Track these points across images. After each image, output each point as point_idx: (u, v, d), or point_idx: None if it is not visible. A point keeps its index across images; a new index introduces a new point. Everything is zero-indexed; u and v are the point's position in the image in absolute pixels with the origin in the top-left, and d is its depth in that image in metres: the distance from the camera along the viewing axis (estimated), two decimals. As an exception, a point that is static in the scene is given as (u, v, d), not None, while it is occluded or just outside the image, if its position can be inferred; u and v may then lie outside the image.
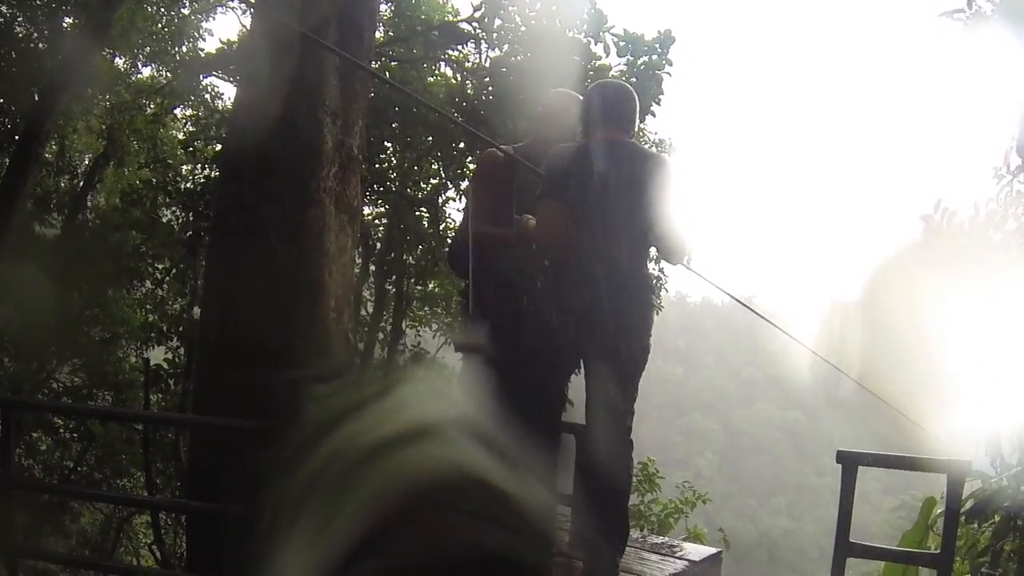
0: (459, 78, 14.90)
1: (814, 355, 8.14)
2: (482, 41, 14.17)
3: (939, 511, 6.79)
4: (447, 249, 7.99)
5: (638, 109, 4.99)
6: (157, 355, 14.50)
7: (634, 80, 12.19)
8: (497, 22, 13.30)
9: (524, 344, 4.74)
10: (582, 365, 4.74)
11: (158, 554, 13.21)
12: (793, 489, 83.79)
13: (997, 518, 6.88)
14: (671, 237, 4.73)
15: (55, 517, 13.47)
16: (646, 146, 12.90)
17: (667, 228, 4.70)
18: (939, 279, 7.40)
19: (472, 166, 12.78)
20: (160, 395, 13.90)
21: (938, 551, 5.07)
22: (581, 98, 5.37)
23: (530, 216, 4.89)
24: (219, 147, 13.33)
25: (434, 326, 17.20)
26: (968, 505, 6.77)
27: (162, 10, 17.85)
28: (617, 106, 4.81)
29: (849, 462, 5.05)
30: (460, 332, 7.29)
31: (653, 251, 5.08)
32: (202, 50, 18.10)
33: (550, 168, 4.64)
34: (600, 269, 4.45)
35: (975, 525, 7.24)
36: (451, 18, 14.54)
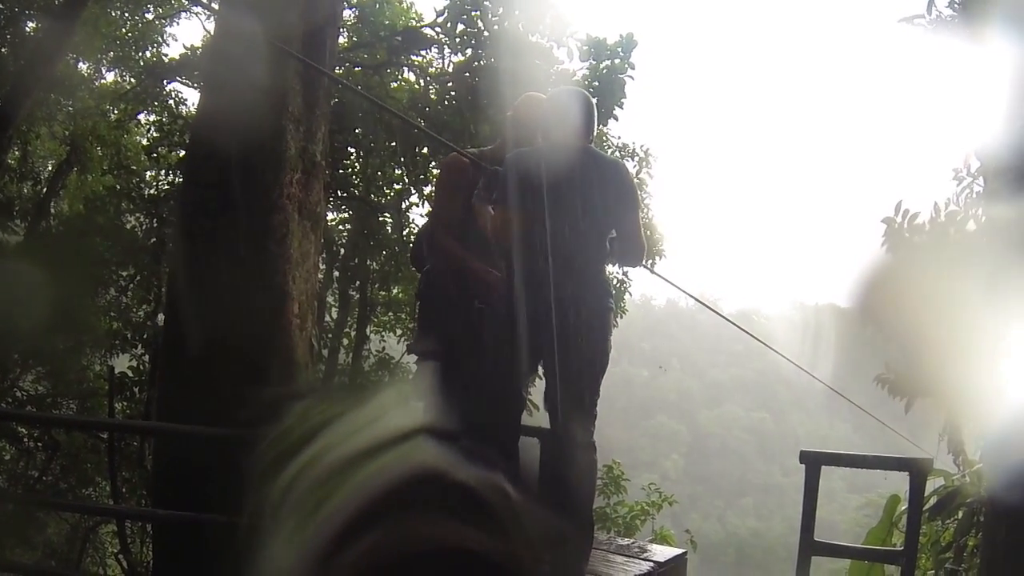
0: (422, 83, 14.90)
1: (779, 356, 8.22)
2: (445, 46, 14.18)
3: (903, 508, 6.87)
4: (409, 255, 7.97)
5: (596, 115, 5.00)
6: (122, 363, 14.40)
7: (597, 84, 12.25)
8: (460, 27, 13.30)
9: (483, 347, 4.75)
10: (541, 368, 4.74)
11: (124, 563, 13.11)
12: (760, 489, 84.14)
13: (960, 515, 6.96)
14: (629, 241, 4.75)
15: (20, 528, 13.34)
16: (609, 150, 12.98)
17: (625, 232, 4.72)
18: (903, 281, 7.47)
19: (436, 171, 12.74)
20: (125, 403, 13.82)
21: (902, 548, 5.11)
22: None
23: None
24: (182, 153, 13.24)
25: (398, 331, 17.14)
26: (931, 502, 6.86)
27: (126, 15, 17.75)
28: (574, 112, 4.82)
29: (812, 462, 5.11)
30: (415, 335, 7.27)
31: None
32: (166, 55, 17.97)
33: (506, 172, 4.64)
34: (558, 272, 4.46)
35: (938, 522, 7.33)
36: (414, 23, 14.52)
